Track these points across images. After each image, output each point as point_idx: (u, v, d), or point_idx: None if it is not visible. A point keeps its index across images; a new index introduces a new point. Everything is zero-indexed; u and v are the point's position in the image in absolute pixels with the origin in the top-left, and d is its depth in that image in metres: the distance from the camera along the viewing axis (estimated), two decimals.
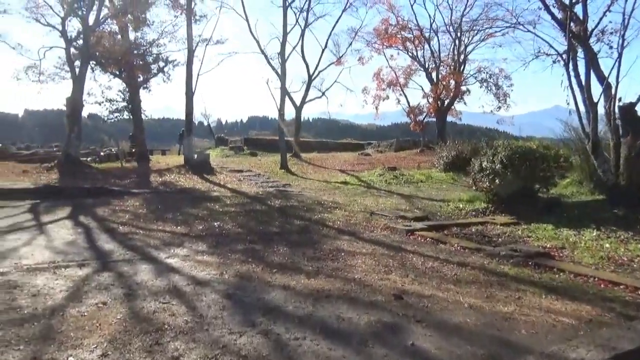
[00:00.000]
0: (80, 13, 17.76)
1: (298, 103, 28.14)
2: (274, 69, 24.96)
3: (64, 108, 18.84)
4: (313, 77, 28.48)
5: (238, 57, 48.11)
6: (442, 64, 28.68)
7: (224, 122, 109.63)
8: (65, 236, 6.97)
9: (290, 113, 27.04)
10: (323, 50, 29.05)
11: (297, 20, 27.11)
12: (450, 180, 16.12)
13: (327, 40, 29.31)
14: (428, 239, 7.31)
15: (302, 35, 27.63)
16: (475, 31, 27.17)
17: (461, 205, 10.43)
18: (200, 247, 6.52)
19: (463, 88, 28.09)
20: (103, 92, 21.92)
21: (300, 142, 27.43)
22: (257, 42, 25.19)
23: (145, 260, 5.68)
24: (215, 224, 8.17)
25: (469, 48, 28.50)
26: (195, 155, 18.90)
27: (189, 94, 18.60)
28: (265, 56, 25.24)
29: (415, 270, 5.48)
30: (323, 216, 9.26)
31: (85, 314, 3.87)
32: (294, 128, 29.18)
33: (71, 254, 5.89)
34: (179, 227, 7.83)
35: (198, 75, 19.56)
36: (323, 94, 30.28)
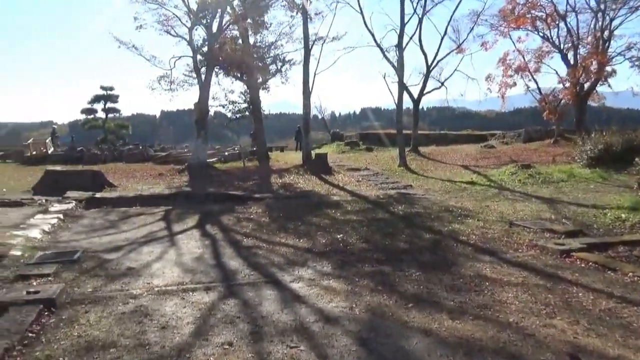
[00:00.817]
0: (205, 22, 18.62)
1: (416, 95, 26.90)
2: (389, 61, 24.05)
3: (193, 109, 20.07)
4: (431, 67, 26.96)
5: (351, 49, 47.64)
6: (580, 43, 25.34)
7: (337, 115, 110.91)
8: (194, 250, 7.02)
9: (406, 102, 25.75)
10: (442, 38, 27.30)
11: (414, 9, 25.77)
12: (599, 179, 13.97)
13: (447, 26, 27.46)
14: (590, 263, 6.08)
15: (420, 23, 26.22)
16: (623, 2, 23.52)
17: (623, 215, 8.76)
18: (325, 267, 6.09)
19: (608, 69, 24.48)
20: (226, 95, 23.03)
21: (417, 136, 26.24)
22: (372, 35, 24.52)
23: (269, 284, 5.38)
24: (338, 236, 7.72)
25: (615, 22, 24.77)
26: (313, 155, 18.87)
27: (306, 94, 18.59)
28: (381, 49, 24.39)
29: (586, 314, 4.43)
30: (454, 227, 8.34)
31: (212, 358, 3.59)
32: (411, 120, 28.02)
33: (198, 273, 5.82)
34: (301, 241, 7.52)
35: (315, 74, 19.52)
36: (442, 84, 28.57)
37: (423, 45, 26.77)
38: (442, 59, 28.02)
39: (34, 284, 5.37)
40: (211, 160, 21.57)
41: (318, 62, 21.97)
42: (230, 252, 6.88)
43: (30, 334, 4.01)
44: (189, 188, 13.98)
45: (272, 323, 4.26)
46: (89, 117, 38.27)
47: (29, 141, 25.80)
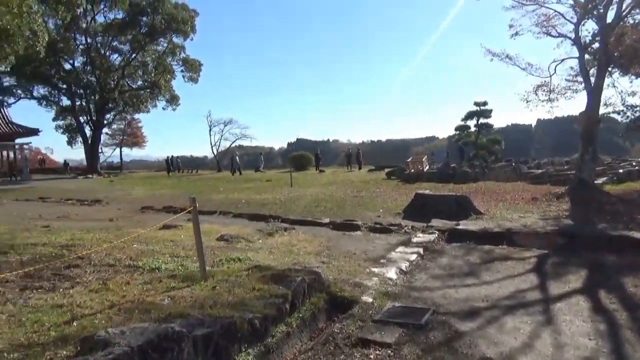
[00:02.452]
0: (596, 12, 15.15)
1: None
2: None
3: (575, 115, 16.80)
4: None
5: None
6: None
7: None
8: (581, 339, 4.75)
9: None
10: None
11: None
12: None
13: None
14: None
15: None
16: None
17: None
18: None
19: None
20: (623, 99, 18.29)
21: None
22: None
23: None
24: None
25: None
26: None
27: None
28: None
29: None
30: None
31: None
32: None
33: None
34: None
35: None
36: None
37: None
38: None
39: (371, 357, 4.49)
40: (600, 180, 17.51)
41: None
42: None
43: None
44: (569, 221, 11.21)
45: None
46: (462, 133, 39.17)
47: (408, 159, 28.11)
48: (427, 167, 27.08)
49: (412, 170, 25.95)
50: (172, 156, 48.03)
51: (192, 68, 50.33)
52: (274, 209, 14.54)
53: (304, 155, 43.17)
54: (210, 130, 54.55)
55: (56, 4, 29.90)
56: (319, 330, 5.36)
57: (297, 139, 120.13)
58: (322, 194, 19.29)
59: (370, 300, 6.01)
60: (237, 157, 42.06)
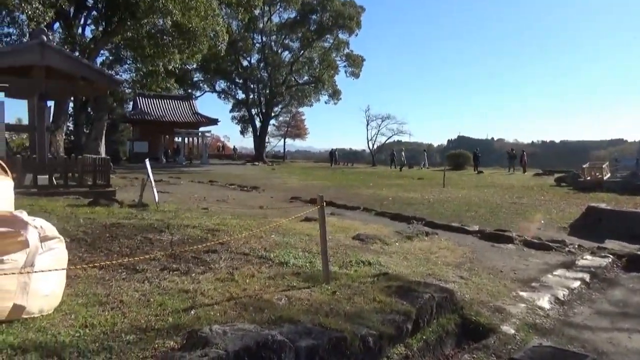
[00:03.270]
0: None
1: None
2: None
3: None
4: None
5: None
6: None
7: None
8: None
9: None
10: None
11: None
12: None
13: None
14: None
15: None
16: None
17: None
18: None
19: None
20: None
21: None
22: None
23: None
24: None
25: None
26: None
27: None
28: None
29: None
30: None
31: None
32: None
33: None
34: None
35: None
36: None
37: None
38: None
39: None
40: None
41: None
42: None
43: None
44: None
45: None
46: None
47: (584, 165, 24.45)
48: (608, 175, 23.20)
49: (588, 178, 22.50)
50: (334, 149, 51.09)
51: (355, 63, 51.45)
52: (419, 210, 13.86)
53: (462, 154, 40.96)
54: (367, 124, 55.28)
55: (237, 7, 32.94)
56: (445, 358, 4.72)
57: (458, 136, 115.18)
58: (475, 197, 17.89)
59: (512, 331, 5.13)
60: (403, 153, 43.25)
